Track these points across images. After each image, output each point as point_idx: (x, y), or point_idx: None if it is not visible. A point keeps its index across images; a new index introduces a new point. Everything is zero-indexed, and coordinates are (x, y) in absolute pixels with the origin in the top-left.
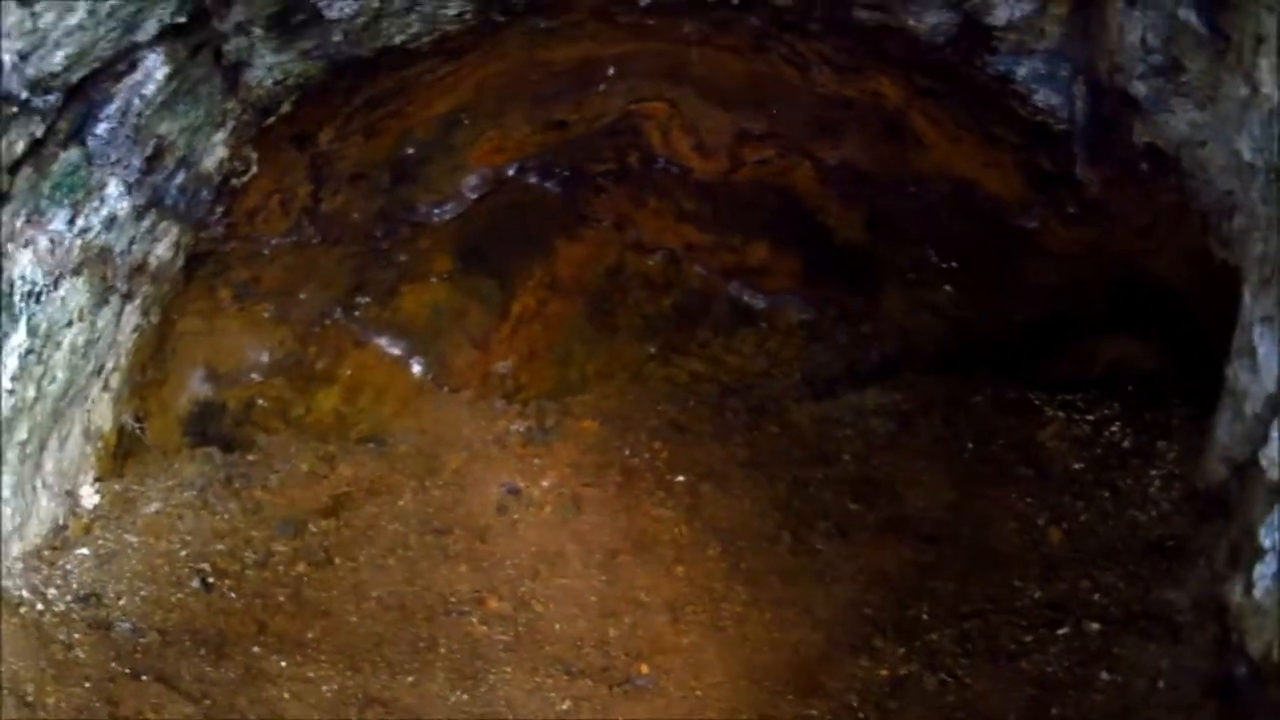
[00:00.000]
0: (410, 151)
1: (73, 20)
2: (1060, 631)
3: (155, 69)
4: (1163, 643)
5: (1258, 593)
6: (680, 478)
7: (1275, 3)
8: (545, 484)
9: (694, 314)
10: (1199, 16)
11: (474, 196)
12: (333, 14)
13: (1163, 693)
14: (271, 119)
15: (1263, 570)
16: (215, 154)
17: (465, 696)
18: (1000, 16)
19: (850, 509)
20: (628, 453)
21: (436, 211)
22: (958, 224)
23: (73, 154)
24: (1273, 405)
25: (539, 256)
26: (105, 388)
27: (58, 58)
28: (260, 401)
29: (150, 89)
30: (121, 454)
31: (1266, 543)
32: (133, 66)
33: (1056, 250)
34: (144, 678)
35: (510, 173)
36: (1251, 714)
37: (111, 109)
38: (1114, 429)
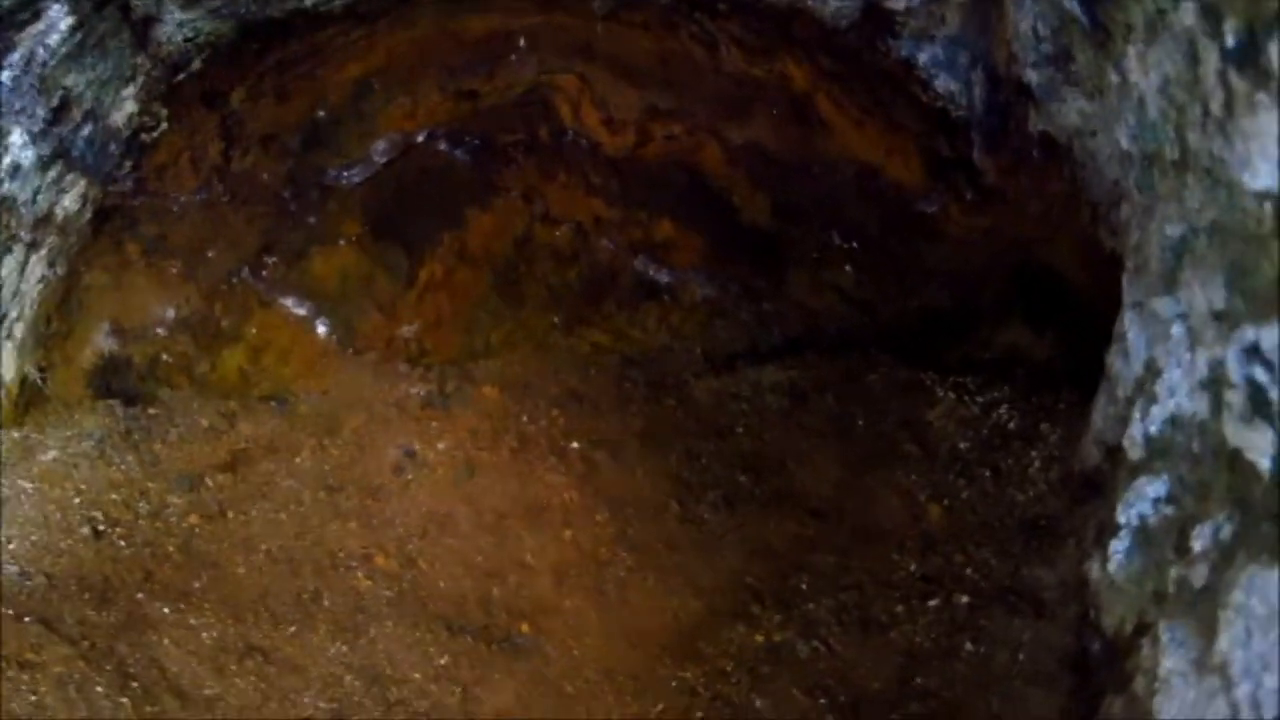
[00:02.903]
0: (321, 115)
1: None
2: (931, 603)
3: (59, 19)
4: (1027, 617)
5: (1112, 567)
6: (575, 445)
7: None
8: (441, 447)
9: (600, 286)
10: (1081, 8)
11: (383, 161)
12: None
13: (1023, 665)
14: (182, 76)
15: (1117, 546)
16: (124, 108)
17: (345, 648)
18: (899, 2)
19: (739, 481)
20: (525, 419)
21: (346, 175)
22: (861, 207)
23: None
24: (1139, 387)
25: (448, 224)
26: (8, 337)
27: None
28: (165, 357)
29: (54, 39)
30: (23, 404)
31: (1122, 519)
32: (35, 16)
33: (955, 236)
34: (26, 620)
35: (420, 139)
36: (1103, 686)
37: (15, 58)
38: (1001, 411)
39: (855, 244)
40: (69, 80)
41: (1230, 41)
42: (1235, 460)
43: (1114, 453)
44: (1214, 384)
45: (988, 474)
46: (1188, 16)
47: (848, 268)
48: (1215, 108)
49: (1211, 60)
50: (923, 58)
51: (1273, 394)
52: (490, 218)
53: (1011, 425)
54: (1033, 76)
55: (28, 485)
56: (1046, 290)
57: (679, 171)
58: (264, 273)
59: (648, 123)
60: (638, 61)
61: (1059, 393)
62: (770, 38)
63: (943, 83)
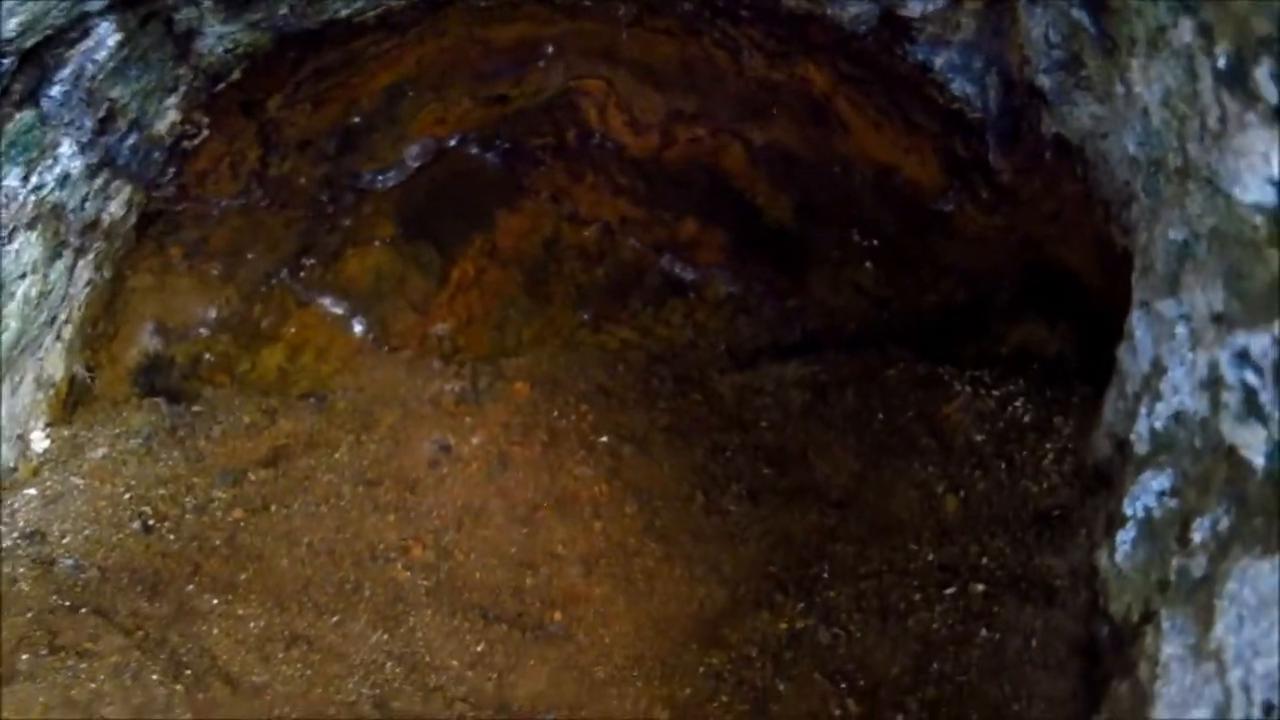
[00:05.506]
0: (356, 121)
1: None
2: (947, 592)
3: (107, 36)
4: (1039, 605)
5: (1119, 557)
6: (604, 439)
7: (1144, 7)
8: (475, 441)
9: (626, 285)
10: (1089, 18)
11: (416, 165)
12: None
13: (1035, 651)
14: (222, 85)
15: (1124, 536)
16: (167, 117)
17: (385, 636)
18: (914, 9)
19: (763, 474)
20: (555, 414)
21: (380, 179)
22: (880, 206)
23: (27, 115)
24: (1146, 383)
25: (478, 225)
26: (58, 338)
27: (10, 25)
28: (207, 356)
29: (102, 55)
30: (72, 402)
31: (1129, 511)
32: (85, 34)
33: (971, 234)
34: (82, 611)
35: (452, 144)
36: (1110, 672)
37: (65, 73)
38: (1016, 404)
39: (874, 242)
40: (115, 92)
41: (1222, 62)
42: (1232, 456)
43: (1123, 446)
44: (1213, 384)
45: (1002, 466)
46: (1186, 34)
47: (867, 265)
48: (1212, 122)
49: (1207, 77)
50: (938, 61)
51: (1264, 396)
52: (519, 218)
53: (1026, 418)
54: (1045, 81)
55: (79, 481)
56: (1061, 287)
57: (702, 172)
58: (301, 274)
59: (672, 125)
60: (662, 66)
61: (1072, 386)
62: (790, 42)
63: (958, 86)
